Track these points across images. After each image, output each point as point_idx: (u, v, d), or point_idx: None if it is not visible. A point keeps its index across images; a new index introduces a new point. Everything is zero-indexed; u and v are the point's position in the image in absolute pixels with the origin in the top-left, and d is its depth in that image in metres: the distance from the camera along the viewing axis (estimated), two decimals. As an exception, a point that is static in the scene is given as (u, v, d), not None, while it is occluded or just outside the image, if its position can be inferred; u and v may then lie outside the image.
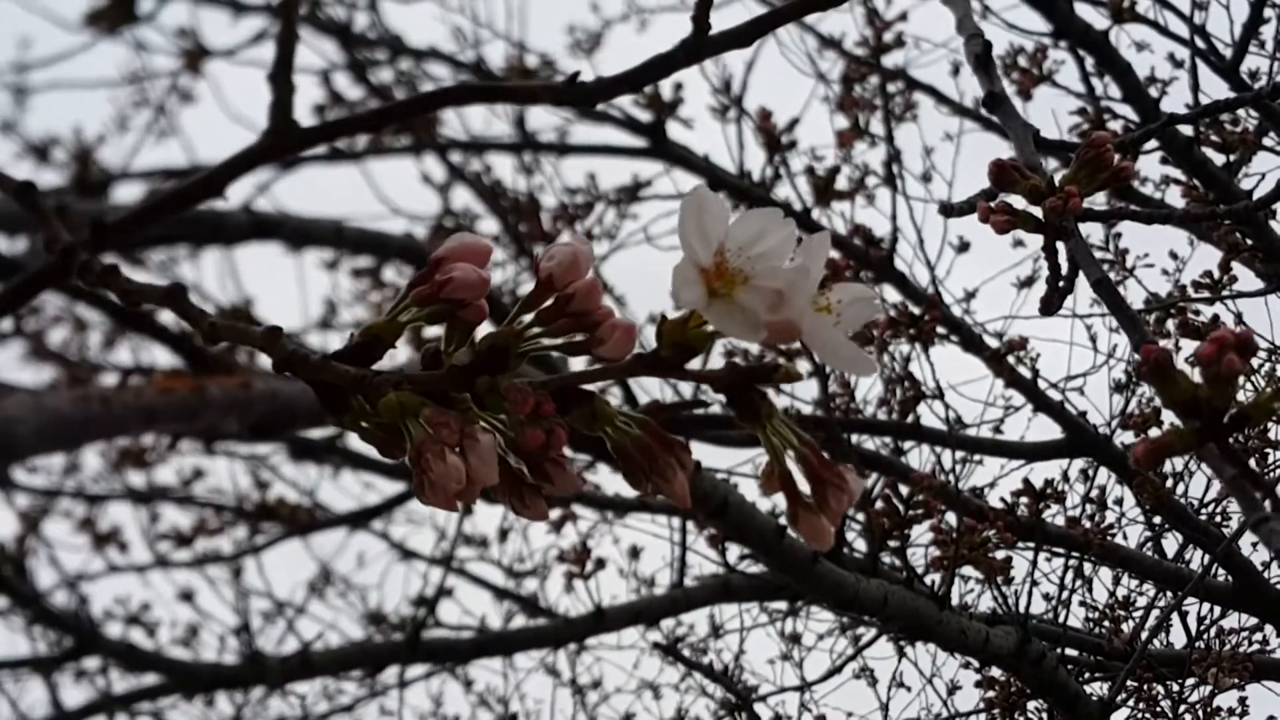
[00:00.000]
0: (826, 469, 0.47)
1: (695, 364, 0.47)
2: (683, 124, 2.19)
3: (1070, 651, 2.43)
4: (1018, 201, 0.74)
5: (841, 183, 2.19)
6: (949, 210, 0.75)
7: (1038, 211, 0.71)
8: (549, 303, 0.46)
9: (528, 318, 0.46)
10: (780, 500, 0.48)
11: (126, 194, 2.00)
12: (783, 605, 2.75)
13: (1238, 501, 0.67)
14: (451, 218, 2.32)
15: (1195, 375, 0.49)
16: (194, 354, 1.05)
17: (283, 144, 0.63)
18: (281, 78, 0.63)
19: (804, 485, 0.47)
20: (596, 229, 2.33)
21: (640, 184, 2.32)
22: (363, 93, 2.27)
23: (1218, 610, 2.42)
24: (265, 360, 0.48)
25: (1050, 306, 0.73)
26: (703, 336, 0.46)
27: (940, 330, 1.95)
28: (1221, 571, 2.29)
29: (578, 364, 0.49)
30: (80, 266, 0.48)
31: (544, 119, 2.35)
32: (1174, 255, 2.48)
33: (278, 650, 2.39)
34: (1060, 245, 0.74)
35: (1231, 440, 0.51)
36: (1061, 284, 0.72)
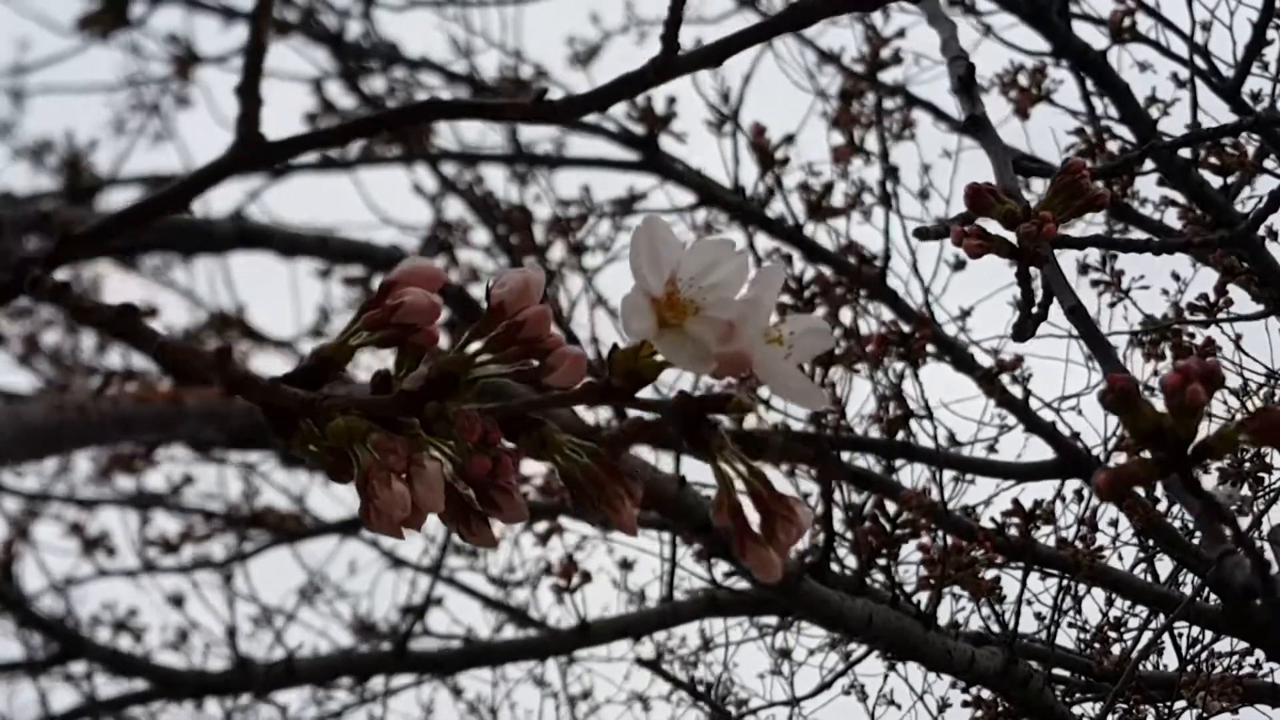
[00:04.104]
0: (776, 501, 0.47)
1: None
2: (675, 138, 2.19)
3: (1060, 671, 2.43)
4: (995, 226, 0.74)
5: (837, 198, 2.19)
6: (925, 234, 0.75)
7: (1013, 237, 0.71)
8: (500, 329, 0.46)
9: (478, 344, 0.46)
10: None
11: (118, 199, 2.01)
12: (773, 620, 2.75)
13: (1204, 534, 0.66)
14: (444, 228, 2.31)
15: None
16: (173, 364, 1.04)
17: (250, 157, 0.63)
18: (249, 92, 0.63)
19: (754, 517, 0.47)
20: (591, 240, 2.34)
21: (635, 196, 2.32)
22: (355, 101, 2.28)
23: (1210, 634, 2.41)
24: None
25: (1023, 333, 0.73)
26: (654, 366, 0.46)
27: (931, 349, 1.94)
28: (1212, 595, 2.28)
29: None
30: (32, 282, 0.48)
31: (538, 131, 2.34)
32: (1176, 276, 2.47)
33: (268, 655, 2.39)
34: (1037, 271, 0.74)
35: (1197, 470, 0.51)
36: (1035, 310, 0.72)
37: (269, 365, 2.34)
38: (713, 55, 0.60)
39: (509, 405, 0.47)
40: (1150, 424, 0.48)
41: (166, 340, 0.47)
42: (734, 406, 0.47)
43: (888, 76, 2.34)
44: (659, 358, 0.46)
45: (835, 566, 2.08)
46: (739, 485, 0.47)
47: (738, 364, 0.46)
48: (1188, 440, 0.48)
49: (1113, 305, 2.41)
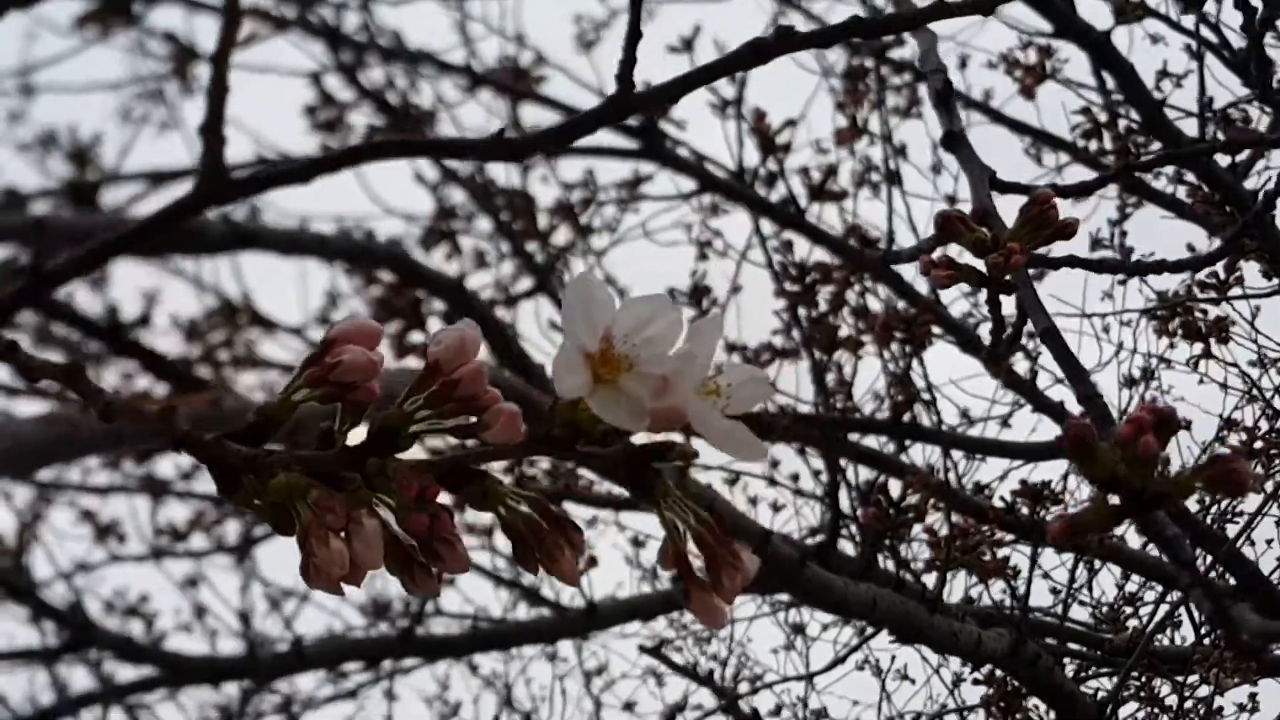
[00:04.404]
0: (722, 547, 0.47)
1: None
2: (675, 124, 2.18)
3: (1073, 646, 2.43)
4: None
5: (843, 178, 2.18)
6: (897, 258, 0.75)
7: (983, 265, 0.71)
8: (435, 387, 0.46)
9: (418, 400, 0.47)
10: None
11: (120, 195, 2.02)
12: (785, 596, 2.75)
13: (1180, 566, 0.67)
14: (445, 217, 2.31)
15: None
16: (167, 371, 1.06)
17: (213, 194, 0.64)
18: (212, 131, 0.64)
19: (699, 563, 0.48)
20: (597, 221, 2.34)
21: (640, 178, 2.32)
22: (354, 94, 2.28)
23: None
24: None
25: (996, 358, 0.73)
26: (594, 419, 0.46)
27: (936, 330, 1.93)
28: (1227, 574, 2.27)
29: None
30: (-18, 341, 0.49)
31: (539, 117, 2.33)
32: (1191, 249, 2.44)
33: (283, 634, 2.42)
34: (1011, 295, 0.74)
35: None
36: (1006, 335, 0.72)
37: (278, 352, 2.35)
38: (669, 93, 0.61)
39: (450, 457, 0.47)
40: (1106, 472, 0.48)
41: (110, 397, 0.47)
42: (678, 455, 0.47)
43: (897, 54, 2.33)
44: (596, 412, 0.46)
45: (848, 546, 2.09)
46: (685, 531, 0.48)
47: (672, 419, 0.46)
48: (1143, 488, 0.48)
49: (1123, 282, 2.39)
